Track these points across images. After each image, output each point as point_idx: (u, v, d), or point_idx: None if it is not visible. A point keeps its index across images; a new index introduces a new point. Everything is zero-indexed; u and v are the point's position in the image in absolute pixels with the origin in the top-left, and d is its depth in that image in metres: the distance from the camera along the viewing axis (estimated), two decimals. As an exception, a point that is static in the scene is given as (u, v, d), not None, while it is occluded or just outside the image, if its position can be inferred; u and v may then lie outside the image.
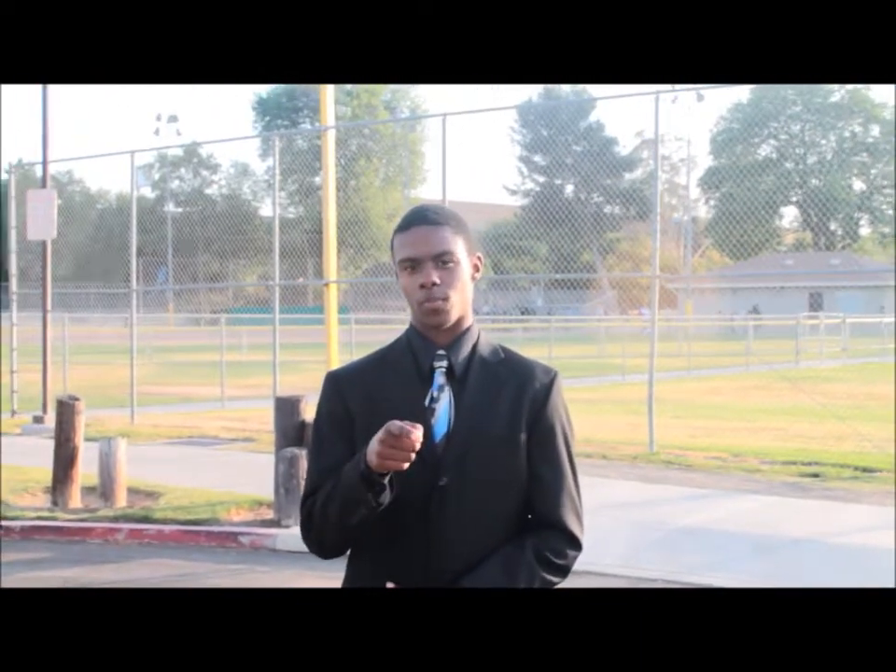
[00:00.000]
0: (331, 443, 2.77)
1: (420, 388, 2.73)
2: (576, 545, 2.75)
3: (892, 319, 39.00)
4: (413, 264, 2.70)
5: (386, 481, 2.54)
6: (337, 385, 2.81)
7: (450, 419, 2.70)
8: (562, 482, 2.75)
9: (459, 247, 2.73)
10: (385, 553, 2.70)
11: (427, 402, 2.70)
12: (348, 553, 2.83)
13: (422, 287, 2.68)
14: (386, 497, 2.57)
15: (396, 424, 2.42)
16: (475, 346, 2.78)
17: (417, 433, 2.42)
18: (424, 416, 2.66)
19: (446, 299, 2.69)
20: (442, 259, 2.69)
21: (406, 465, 2.47)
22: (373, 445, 2.48)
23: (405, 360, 2.77)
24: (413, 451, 2.45)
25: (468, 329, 2.79)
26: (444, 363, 2.73)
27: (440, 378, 2.72)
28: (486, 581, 2.64)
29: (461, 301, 2.74)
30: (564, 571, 2.73)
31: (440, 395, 2.71)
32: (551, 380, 2.79)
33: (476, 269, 2.81)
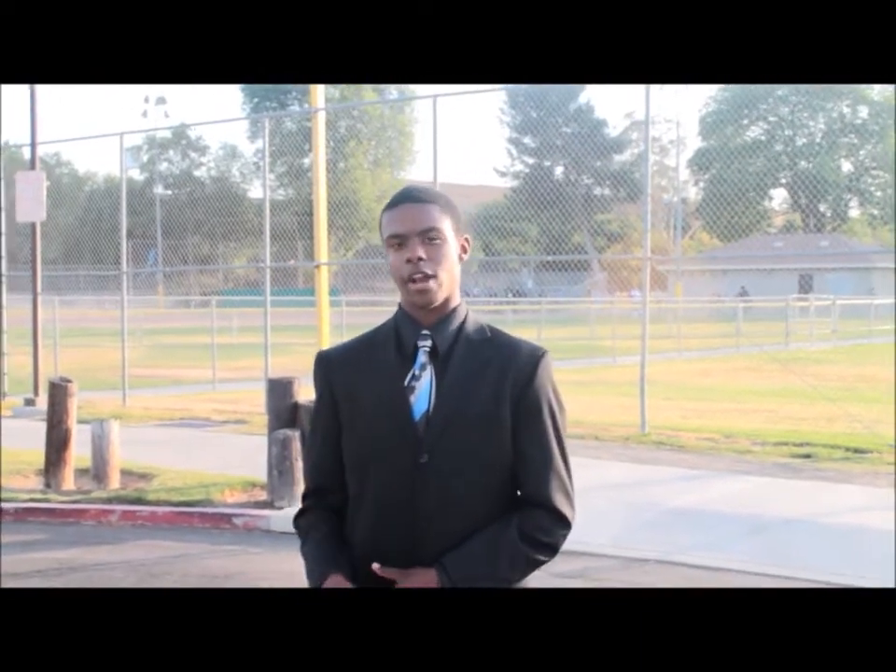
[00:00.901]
0: (320, 440, 2.88)
1: (402, 368, 2.76)
2: (564, 523, 2.75)
3: (882, 301, 39.13)
4: (400, 240, 2.72)
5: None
6: (323, 366, 2.87)
7: (430, 398, 2.72)
8: (548, 460, 2.76)
9: (446, 226, 2.76)
10: (370, 533, 2.73)
11: (406, 381, 2.73)
12: None
13: (408, 261, 2.70)
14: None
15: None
16: (461, 326, 2.80)
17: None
18: (403, 395, 2.71)
19: (434, 276, 2.71)
20: (429, 236, 2.72)
21: None
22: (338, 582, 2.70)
23: (391, 341, 2.80)
24: None
25: (454, 308, 2.81)
26: (428, 343, 2.75)
27: (422, 357, 2.75)
28: (469, 558, 2.68)
29: (448, 280, 2.76)
30: (552, 549, 2.74)
31: (421, 374, 2.74)
32: (537, 359, 2.78)
33: (463, 250, 2.83)
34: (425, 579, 2.65)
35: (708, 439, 13.68)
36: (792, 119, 77.96)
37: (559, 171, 73.14)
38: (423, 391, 2.72)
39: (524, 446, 2.75)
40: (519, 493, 2.79)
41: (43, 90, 18.28)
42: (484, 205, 62.50)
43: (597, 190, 69.16)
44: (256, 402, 16.99)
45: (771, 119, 78.83)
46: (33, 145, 17.99)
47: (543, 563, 2.74)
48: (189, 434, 14.81)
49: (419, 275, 2.70)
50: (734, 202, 54.14)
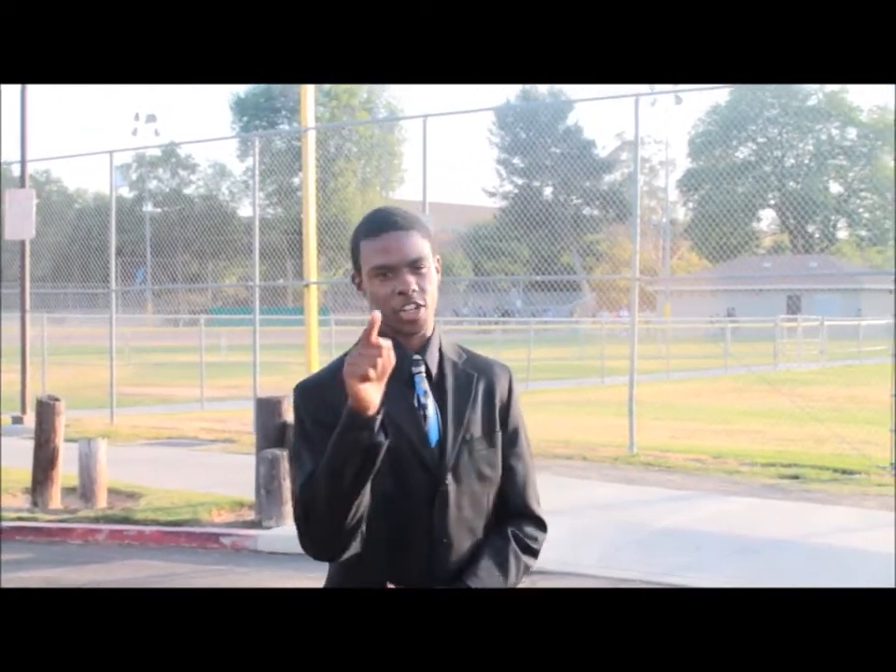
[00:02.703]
0: (322, 439, 2.63)
1: (406, 392, 2.74)
2: (544, 528, 2.91)
3: (869, 322, 39.21)
4: (387, 271, 2.70)
5: (377, 425, 2.46)
6: (316, 393, 2.75)
7: (438, 424, 2.75)
8: (528, 473, 2.90)
9: (428, 251, 2.76)
10: (385, 556, 2.71)
11: (416, 407, 2.74)
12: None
13: (401, 294, 2.69)
14: (380, 440, 2.47)
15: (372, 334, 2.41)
16: (441, 348, 2.83)
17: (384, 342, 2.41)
18: (420, 424, 2.73)
19: (424, 305, 2.72)
20: (416, 265, 2.71)
21: (370, 373, 2.41)
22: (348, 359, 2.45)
23: None
24: (377, 356, 2.40)
25: (433, 330, 2.82)
26: (422, 368, 2.76)
27: (423, 384, 2.76)
28: (486, 574, 2.74)
29: (433, 305, 2.77)
30: (537, 553, 2.89)
31: (426, 401, 2.75)
32: (510, 377, 2.92)
33: (437, 271, 2.83)
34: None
35: (697, 459, 13.68)
36: (781, 141, 78.32)
37: (548, 191, 73.35)
38: (432, 419, 2.75)
39: (508, 461, 2.86)
40: (501, 503, 2.86)
41: (33, 107, 18.28)
42: (474, 225, 62.61)
43: (586, 211, 69.35)
44: (244, 421, 16.96)
45: (760, 139, 79.19)
46: (23, 162, 17.98)
47: (532, 566, 2.89)
48: (177, 453, 14.77)
49: (411, 306, 2.70)
50: (722, 222, 54.35)
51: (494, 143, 80.00)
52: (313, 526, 2.60)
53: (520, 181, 77.49)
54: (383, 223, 2.73)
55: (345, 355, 2.78)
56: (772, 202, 75.64)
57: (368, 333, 2.40)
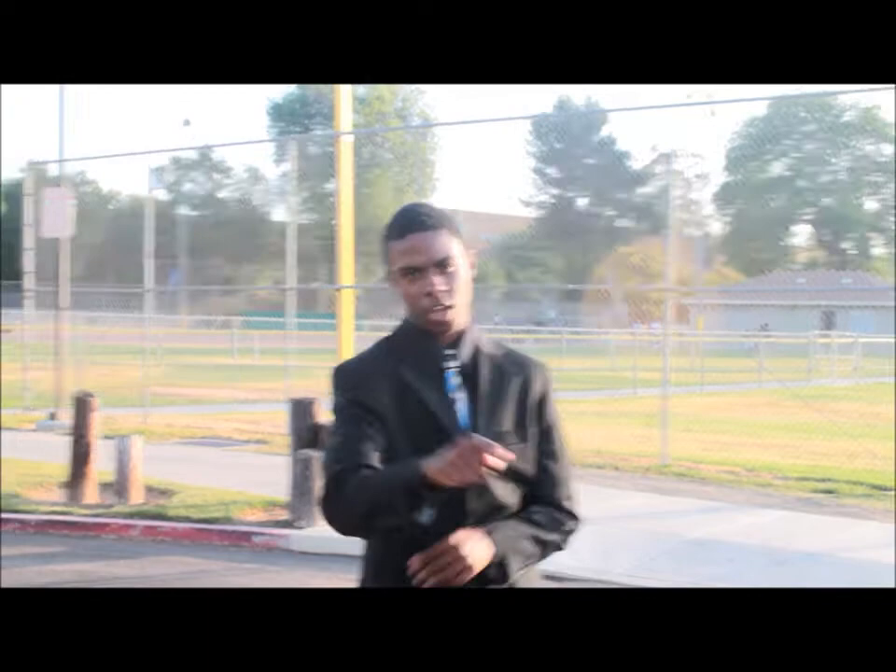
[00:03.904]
0: (359, 418, 2.72)
1: (440, 383, 2.78)
2: (575, 518, 2.90)
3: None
4: (414, 272, 2.73)
5: (428, 505, 2.47)
6: (355, 376, 2.81)
7: (468, 417, 2.76)
8: (562, 471, 2.89)
9: (457, 249, 2.77)
10: (417, 550, 2.70)
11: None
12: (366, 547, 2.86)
13: (428, 294, 2.72)
14: (425, 518, 2.50)
15: (480, 438, 2.34)
16: (478, 343, 2.84)
17: (487, 452, 2.34)
18: (450, 414, 2.75)
19: (452, 305, 2.74)
20: (444, 265, 2.73)
21: (467, 483, 2.40)
22: (444, 453, 2.39)
23: (418, 358, 2.79)
24: (480, 471, 2.35)
25: (468, 325, 2.84)
26: (455, 363, 2.78)
27: (456, 379, 2.77)
28: (509, 533, 2.72)
29: (464, 303, 2.79)
30: (566, 534, 2.87)
31: (455, 396, 2.77)
32: (546, 373, 2.91)
33: (472, 266, 2.84)
34: (476, 537, 2.63)
35: (729, 471, 13.62)
36: (817, 156, 77.96)
37: (582, 202, 73.30)
38: (462, 411, 2.76)
39: (543, 459, 2.85)
40: (539, 497, 2.86)
41: (70, 109, 18.41)
42: (507, 234, 62.65)
43: (620, 222, 69.25)
44: (277, 423, 16.99)
45: (795, 155, 78.87)
46: (61, 161, 18.10)
47: (562, 548, 2.88)
48: (211, 452, 14.84)
49: (438, 307, 2.73)
50: (756, 237, 54.20)
51: (530, 152, 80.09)
52: (335, 513, 2.66)
53: (554, 191, 77.47)
54: (409, 223, 2.76)
55: (383, 340, 2.88)
56: (806, 217, 75.28)
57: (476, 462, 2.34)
